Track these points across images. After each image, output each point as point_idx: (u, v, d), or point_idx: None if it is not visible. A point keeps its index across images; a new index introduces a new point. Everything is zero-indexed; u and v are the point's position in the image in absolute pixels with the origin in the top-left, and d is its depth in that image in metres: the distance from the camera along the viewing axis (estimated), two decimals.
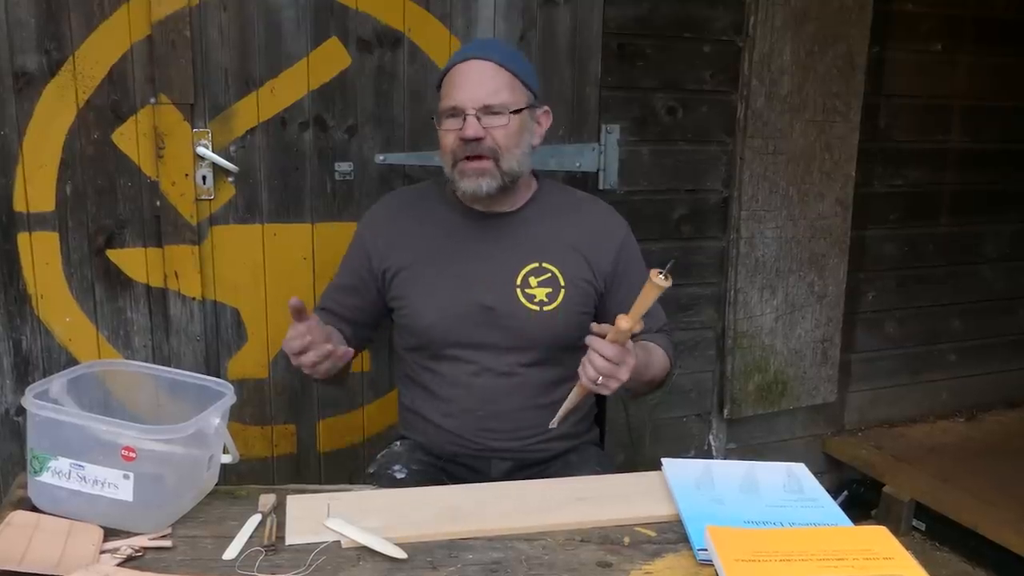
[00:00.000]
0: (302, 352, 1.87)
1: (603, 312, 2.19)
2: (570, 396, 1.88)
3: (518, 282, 2.14)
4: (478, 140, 2.07)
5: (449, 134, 2.11)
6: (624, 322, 1.72)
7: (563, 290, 2.14)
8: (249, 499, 1.75)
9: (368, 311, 2.28)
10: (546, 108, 2.25)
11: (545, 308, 2.12)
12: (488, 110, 2.07)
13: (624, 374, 1.80)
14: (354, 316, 2.27)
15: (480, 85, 2.08)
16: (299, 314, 1.84)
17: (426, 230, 2.22)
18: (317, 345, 1.87)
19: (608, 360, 1.77)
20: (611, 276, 2.20)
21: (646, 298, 1.69)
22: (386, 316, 2.30)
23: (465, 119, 2.07)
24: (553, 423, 1.93)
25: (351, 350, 1.96)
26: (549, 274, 2.15)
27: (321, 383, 2.26)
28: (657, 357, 2.14)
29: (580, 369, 1.81)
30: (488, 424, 2.15)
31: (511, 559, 1.57)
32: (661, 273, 1.64)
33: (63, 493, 1.61)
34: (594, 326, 1.81)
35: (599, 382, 1.79)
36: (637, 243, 2.30)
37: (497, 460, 2.19)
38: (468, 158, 2.09)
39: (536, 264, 2.15)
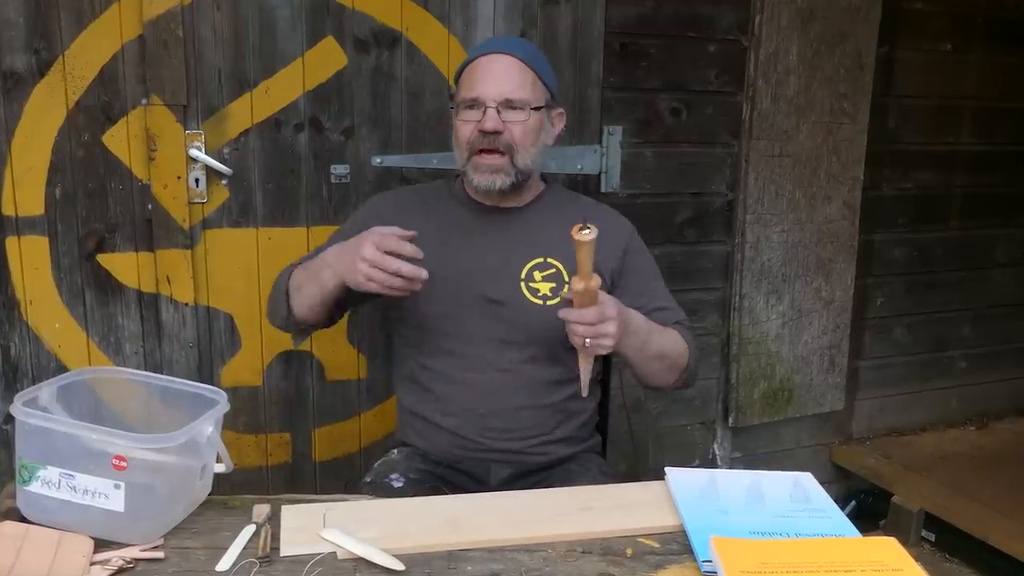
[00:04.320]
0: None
1: None
2: (580, 365, 1.90)
3: (522, 276, 2.14)
4: (496, 134, 2.07)
5: (467, 125, 2.11)
6: (576, 283, 1.74)
7: (567, 285, 2.10)
8: (243, 509, 1.73)
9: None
10: (561, 110, 2.26)
11: (549, 303, 2.12)
12: (509, 104, 2.08)
13: (610, 327, 1.82)
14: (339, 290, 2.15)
15: (503, 80, 2.09)
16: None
17: (431, 221, 2.21)
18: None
19: (586, 323, 1.79)
20: (617, 273, 2.20)
21: (580, 255, 1.70)
22: (362, 302, 2.24)
23: (485, 111, 2.07)
24: (583, 391, 1.94)
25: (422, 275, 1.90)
26: (554, 269, 2.15)
27: (297, 325, 2.19)
28: (667, 333, 2.12)
29: (571, 337, 1.84)
30: (488, 423, 2.14)
31: (511, 570, 1.54)
32: (584, 228, 1.65)
33: (52, 503, 1.59)
34: (562, 303, 1.83)
35: (587, 344, 1.81)
36: (645, 244, 2.30)
37: (497, 466, 2.17)
38: (483, 152, 2.09)
39: (541, 259, 2.15)
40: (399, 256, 1.86)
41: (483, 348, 2.13)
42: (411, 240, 1.88)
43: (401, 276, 1.86)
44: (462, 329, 2.13)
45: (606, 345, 1.83)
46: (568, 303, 1.81)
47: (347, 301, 2.15)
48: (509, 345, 2.12)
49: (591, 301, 1.78)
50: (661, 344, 2.09)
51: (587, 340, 1.81)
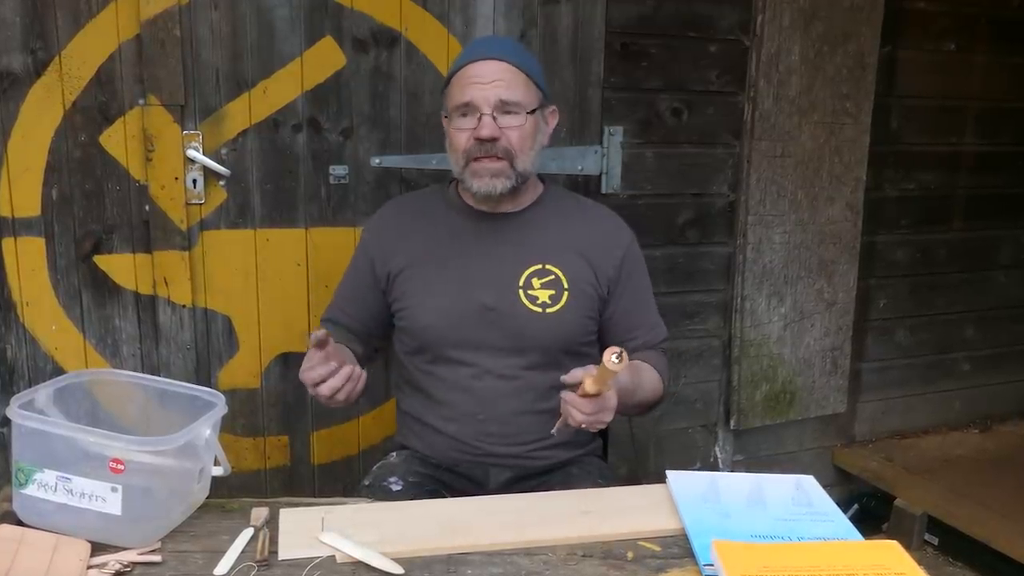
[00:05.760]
0: (320, 382, 1.87)
1: (605, 318, 2.20)
2: (564, 418, 1.86)
3: (521, 283, 2.12)
4: (493, 140, 2.05)
5: (462, 133, 2.09)
6: (590, 387, 1.73)
7: (566, 292, 2.13)
8: (241, 512, 1.73)
9: (376, 319, 2.27)
10: (554, 107, 2.25)
11: (548, 310, 2.11)
12: (504, 108, 2.06)
13: (607, 416, 1.81)
14: (362, 326, 2.27)
15: (497, 84, 2.07)
16: (320, 345, 1.84)
17: (428, 231, 2.22)
18: (335, 374, 1.87)
19: (586, 414, 1.78)
20: (615, 282, 2.20)
21: (604, 374, 1.69)
22: (380, 336, 2.31)
23: (480, 118, 2.05)
24: (553, 430, 1.91)
25: (364, 372, 1.94)
26: (552, 276, 2.13)
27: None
28: (648, 379, 2.14)
29: (563, 412, 1.82)
30: (488, 428, 2.13)
31: (511, 574, 1.54)
32: (615, 355, 1.62)
33: (49, 506, 1.59)
34: (564, 378, 1.81)
35: (583, 427, 1.81)
36: (642, 252, 2.29)
37: (496, 469, 2.16)
38: (481, 158, 2.07)
39: (539, 266, 2.14)
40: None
41: (482, 355, 2.12)
42: (326, 337, 1.85)
43: (340, 389, 1.89)
44: (461, 336, 2.12)
45: (597, 428, 1.84)
46: (573, 382, 1.79)
47: (364, 344, 2.25)
48: (508, 352, 2.12)
49: (596, 395, 1.77)
50: (644, 395, 2.11)
51: (583, 424, 1.80)
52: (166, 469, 1.61)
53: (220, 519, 1.71)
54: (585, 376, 1.73)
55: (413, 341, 2.19)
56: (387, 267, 2.20)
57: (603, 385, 1.72)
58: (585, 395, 1.75)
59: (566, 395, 1.79)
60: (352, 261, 2.32)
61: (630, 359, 2.11)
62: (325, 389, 1.86)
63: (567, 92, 2.89)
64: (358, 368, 1.90)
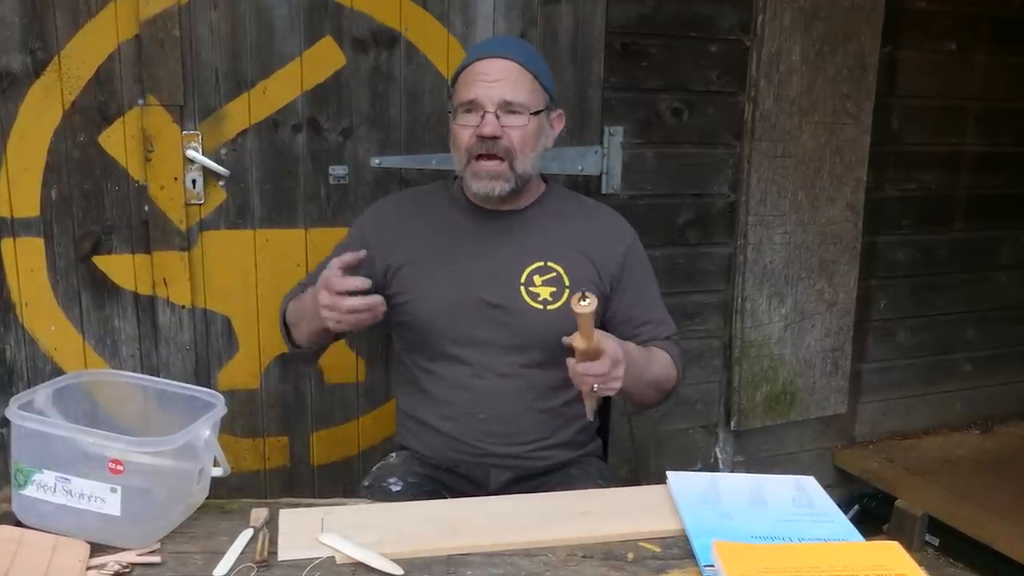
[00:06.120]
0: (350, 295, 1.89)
1: (609, 316, 2.21)
2: (586, 401, 1.89)
3: (522, 280, 2.13)
4: (495, 139, 2.06)
5: (465, 130, 2.10)
6: (579, 342, 1.76)
7: (568, 290, 2.13)
8: (240, 513, 1.73)
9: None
10: (560, 111, 2.25)
11: (549, 307, 2.12)
12: (507, 108, 2.07)
13: (618, 370, 1.81)
14: None
15: (501, 83, 2.07)
16: (348, 267, 1.89)
17: (431, 227, 2.22)
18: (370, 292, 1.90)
19: (594, 375, 1.79)
20: (617, 279, 2.21)
21: (580, 323, 1.72)
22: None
23: (484, 116, 2.06)
24: (589, 416, 1.93)
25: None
26: (554, 273, 2.14)
27: (299, 353, 2.30)
28: (660, 360, 2.14)
29: (578, 384, 1.84)
30: (488, 427, 2.14)
31: (511, 575, 1.54)
32: (583, 299, 1.66)
33: (48, 507, 1.59)
34: (565, 339, 1.80)
35: (595, 390, 1.81)
36: (645, 250, 2.30)
37: (496, 470, 2.16)
38: (481, 157, 2.08)
39: (541, 263, 2.15)
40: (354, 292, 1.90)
41: (483, 352, 2.12)
42: (362, 261, 1.91)
43: (359, 311, 1.90)
44: (462, 333, 2.13)
45: (615, 388, 1.84)
46: (570, 349, 1.80)
47: None
48: (509, 350, 2.12)
49: (596, 355, 1.78)
50: (655, 373, 2.11)
51: (596, 386, 1.80)
52: (165, 470, 1.60)
53: (219, 520, 1.70)
54: (574, 340, 1.75)
55: (414, 336, 2.19)
56: (387, 261, 2.19)
57: (588, 337, 1.73)
58: (583, 355, 1.76)
59: (568, 362, 1.80)
60: (346, 243, 2.29)
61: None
62: (348, 304, 1.88)
63: (567, 92, 2.87)
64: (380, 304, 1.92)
